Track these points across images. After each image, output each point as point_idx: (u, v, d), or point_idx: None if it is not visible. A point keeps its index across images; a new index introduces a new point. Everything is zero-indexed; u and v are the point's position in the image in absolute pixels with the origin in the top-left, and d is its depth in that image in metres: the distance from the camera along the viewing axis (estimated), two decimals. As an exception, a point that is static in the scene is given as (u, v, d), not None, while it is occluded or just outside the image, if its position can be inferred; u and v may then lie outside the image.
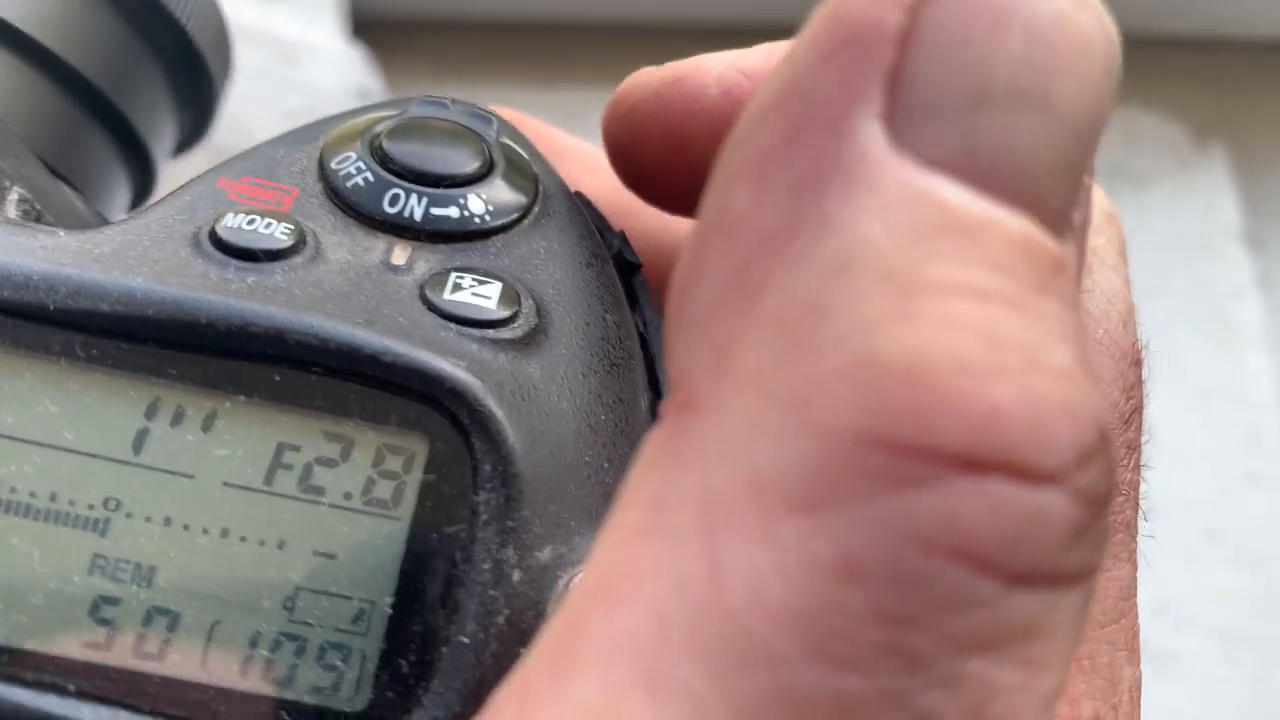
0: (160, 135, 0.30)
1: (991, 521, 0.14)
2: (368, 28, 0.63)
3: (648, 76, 0.26)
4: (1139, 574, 0.24)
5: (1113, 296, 0.24)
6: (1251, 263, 0.64)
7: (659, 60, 0.26)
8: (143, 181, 0.31)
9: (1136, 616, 0.23)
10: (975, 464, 0.14)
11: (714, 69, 0.25)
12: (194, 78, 0.30)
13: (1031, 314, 0.15)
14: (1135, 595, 0.23)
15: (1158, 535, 0.25)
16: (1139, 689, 0.23)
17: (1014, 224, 0.16)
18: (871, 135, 0.16)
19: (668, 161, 0.26)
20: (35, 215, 0.24)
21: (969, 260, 0.15)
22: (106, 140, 0.28)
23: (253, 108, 0.37)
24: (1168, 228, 0.65)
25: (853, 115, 0.16)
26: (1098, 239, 0.24)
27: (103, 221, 0.27)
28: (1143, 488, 0.24)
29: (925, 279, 0.15)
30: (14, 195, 0.24)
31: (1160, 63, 0.68)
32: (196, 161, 0.34)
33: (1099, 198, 0.25)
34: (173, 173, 0.32)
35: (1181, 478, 0.58)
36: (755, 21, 0.66)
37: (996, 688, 0.15)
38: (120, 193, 0.30)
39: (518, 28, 0.68)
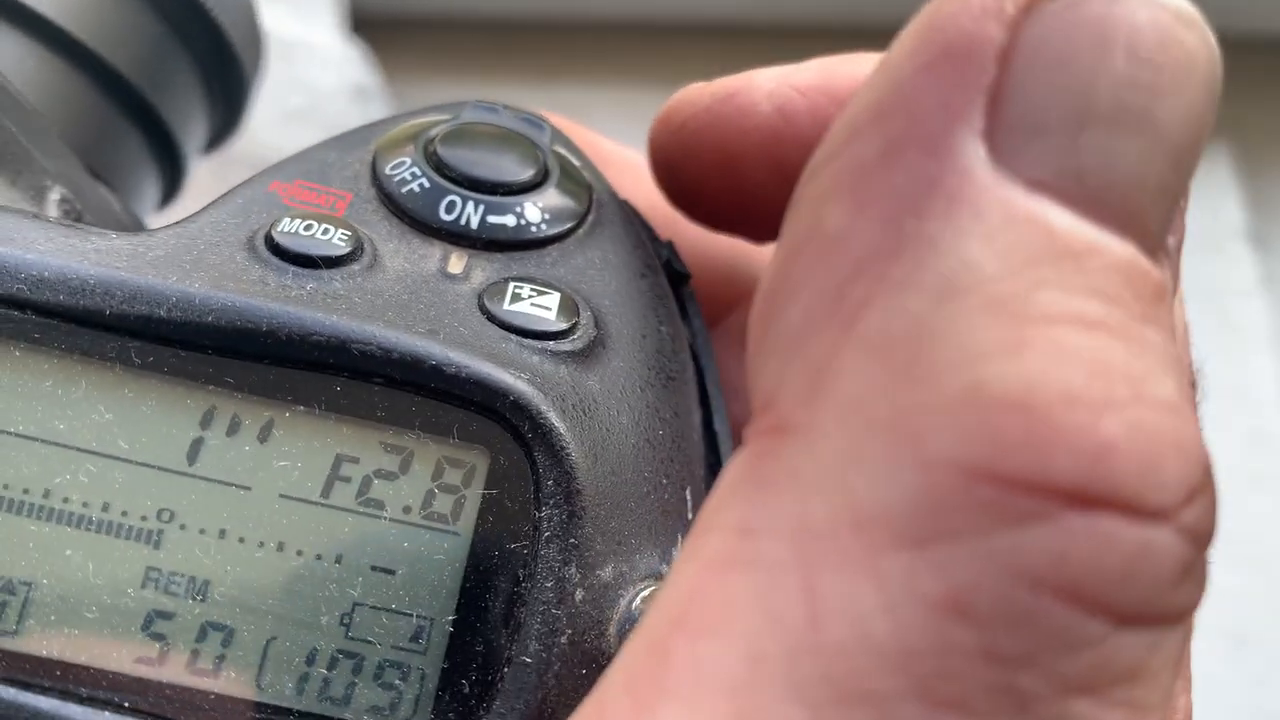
0: (192, 133, 0.30)
1: (1101, 559, 0.14)
2: (366, 25, 0.63)
3: (699, 92, 0.25)
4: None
5: None
6: (1256, 263, 0.64)
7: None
8: (172, 179, 0.30)
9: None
10: (1086, 500, 0.14)
11: (766, 85, 0.25)
12: (227, 75, 0.30)
13: (1137, 343, 0.15)
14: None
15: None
16: None
17: (1118, 249, 0.15)
18: (974, 154, 0.15)
19: (717, 178, 0.25)
20: (76, 215, 0.24)
21: (1076, 287, 0.15)
22: (140, 138, 0.28)
23: (253, 107, 0.36)
24: (1172, 227, 0.65)
25: (954, 133, 0.15)
26: None
27: (137, 221, 0.27)
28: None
29: (1034, 307, 0.15)
30: (55, 195, 0.24)
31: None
32: (200, 164, 0.33)
33: None
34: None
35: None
36: (758, 21, 0.65)
37: None
38: (150, 190, 0.30)
39: (517, 26, 0.68)
